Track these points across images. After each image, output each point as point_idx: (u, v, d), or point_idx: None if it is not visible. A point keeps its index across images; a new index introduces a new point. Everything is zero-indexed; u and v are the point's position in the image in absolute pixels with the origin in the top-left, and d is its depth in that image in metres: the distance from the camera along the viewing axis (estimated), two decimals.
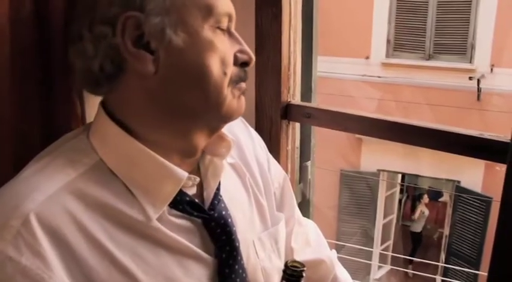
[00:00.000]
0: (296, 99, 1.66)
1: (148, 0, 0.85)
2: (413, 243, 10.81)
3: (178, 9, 0.87)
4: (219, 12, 0.91)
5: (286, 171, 1.63)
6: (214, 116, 0.94)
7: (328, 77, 8.39)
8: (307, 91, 1.76)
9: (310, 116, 1.57)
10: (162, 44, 0.86)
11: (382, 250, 10.02)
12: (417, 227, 10.96)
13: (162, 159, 0.90)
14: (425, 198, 11.02)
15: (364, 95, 8.69)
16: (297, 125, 1.69)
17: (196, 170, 1.01)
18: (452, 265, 9.15)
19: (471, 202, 8.89)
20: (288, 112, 1.60)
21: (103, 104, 0.95)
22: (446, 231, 9.93)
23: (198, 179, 0.97)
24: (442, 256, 9.88)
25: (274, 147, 1.56)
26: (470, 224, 8.96)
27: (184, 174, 0.92)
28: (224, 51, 0.92)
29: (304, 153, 1.80)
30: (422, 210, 10.90)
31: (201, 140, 0.97)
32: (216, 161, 1.02)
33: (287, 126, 1.63)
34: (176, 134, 0.93)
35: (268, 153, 1.26)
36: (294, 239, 1.29)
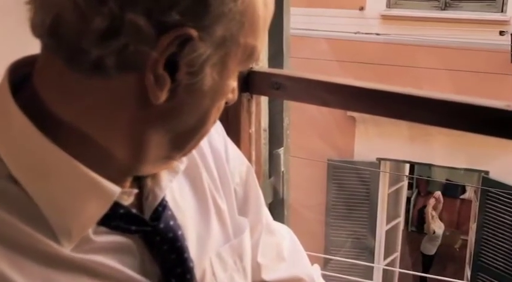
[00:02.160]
0: (261, 64, 1.67)
1: (218, 24, 0.83)
2: (424, 267, 10.91)
3: (230, 45, 0.87)
4: (257, 56, 0.94)
5: (250, 162, 1.62)
6: (181, 155, 1.00)
7: (306, 35, 8.40)
8: (276, 54, 1.77)
9: (279, 87, 1.57)
10: (190, 80, 0.86)
11: (386, 265, 10.12)
12: (429, 249, 11.02)
13: (86, 169, 0.87)
14: (431, 212, 11.00)
15: (357, 59, 8.72)
16: (263, 99, 1.71)
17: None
18: None
19: (504, 199, 9.00)
20: (250, 82, 1.61)
21: (13, 71, 0.91)
22: (471, 238, 10.06)
23: (135, 191, 0.96)
24: (467, 271, 10.03)
25: (232, 130, 1.56)
26: (503, 227, 9.08)
27: (115, 189, 0.90)
28: None
29: (275, 137, 1.82)
30: (433, 227, 10.92)
31: (154, 169, 0.99)
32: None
33: (249, 101, 1.65)
34: (127, 158, 0.92)
35: (227, 138, 1.26)
36: (262, 251, 1.31)
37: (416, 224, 12.61)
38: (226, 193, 1.20)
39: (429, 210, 10.67)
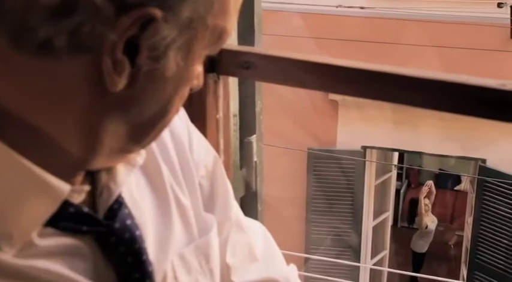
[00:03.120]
0: (230, 42, 1.66)
1: (185, 3, 0.82)
2: (414, 267, 10.97)
3: (197, 27, 0.86)
4: (225, 39, 0.94)
5: (218, 151, 1.62)
6: (140, 148, 1.00)
7: (281, 9, 8.40)
8: (246, 30, 1.78)
9: (250, 67, 1.56)
10: (152, 65, 0.85)
11: (374, 265, 10.19)
12: (421, 246, 11.08)
13: (30, 164, 0.86)
14: (426, 205, 11.03)
15: (339, 36, 8.74)
16: (232, 80, 1.71)
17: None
18: None
19: (503, 190, 9.06)
20: (217, 61, 1.60)
21: None
22: (467, 234, 10.15)
23: (86, 188, 0.95)
24: (463, 270, 10.11)
25: (196, 116, 1.54)
26: (502, 222, 9.15)
27: (65, 188, 0.89)
28: None
29: (246, 123, 1.82)
30: (426, 221, 10.97)
31: (108, 163, 0.98)
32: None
33: (216, 82, 1.64)
34: (79, 151, 0.90)
35: (190, 125, 1.26)
36: (231, 251, 1.30)
37: (407, 217, 12.68)
38: (190, 187, 1.19)
39: (422, 200, 10.74)
